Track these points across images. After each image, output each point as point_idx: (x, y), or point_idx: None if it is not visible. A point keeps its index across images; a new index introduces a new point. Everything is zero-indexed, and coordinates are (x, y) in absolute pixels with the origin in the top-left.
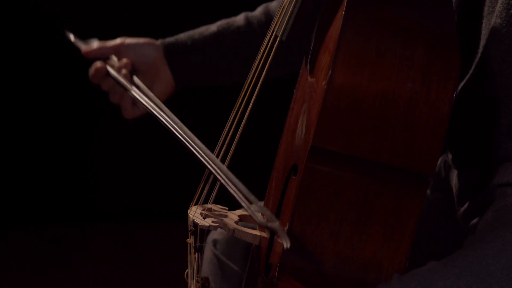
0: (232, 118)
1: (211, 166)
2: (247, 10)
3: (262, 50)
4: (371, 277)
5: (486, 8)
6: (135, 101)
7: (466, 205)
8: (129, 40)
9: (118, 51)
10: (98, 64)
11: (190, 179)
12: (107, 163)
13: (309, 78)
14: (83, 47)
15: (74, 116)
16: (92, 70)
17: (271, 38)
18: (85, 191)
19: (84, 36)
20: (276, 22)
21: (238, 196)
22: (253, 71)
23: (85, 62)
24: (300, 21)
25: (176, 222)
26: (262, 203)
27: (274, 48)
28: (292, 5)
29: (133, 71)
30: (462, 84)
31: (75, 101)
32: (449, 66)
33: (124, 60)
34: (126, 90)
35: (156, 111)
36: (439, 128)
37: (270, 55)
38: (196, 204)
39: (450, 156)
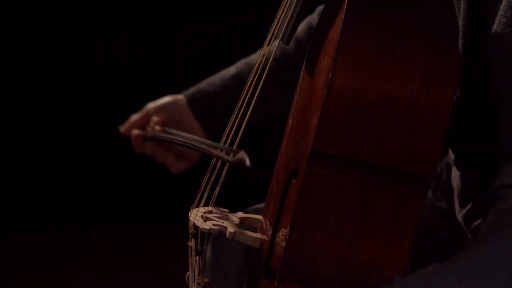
0: (232, 121)
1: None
2: (247, 11)
3: (261, 55)
4: (372, 279)
5: (486, 9)
6: (178, 155)
7: (468, 207)
8: (153, 104)
9: (148, 117)
10: (134, 132)
11: (191, 181)
12: (108, 165)
13: (309, 81)
14: (120, 128)
15: (75, 117)
16: (132, 141)
17: (271, 41)
18: (86, 193)
19: (84, 36)
20: (276, 25)
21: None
22: (252, 76)
23: (86, 63)
24: (299, 23)
25: (177, 225)
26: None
27: (274, 50)
28: (292, 7)
29: (164, 125)
30: (464, 85)
31: (76, 102)
32: (449, 68)
33: (155, 119)
34: (164, 141)
35: (201, 146)
36: (439, 130)
37: (270, 58)
38: (197, 207)
39: (452, 157)
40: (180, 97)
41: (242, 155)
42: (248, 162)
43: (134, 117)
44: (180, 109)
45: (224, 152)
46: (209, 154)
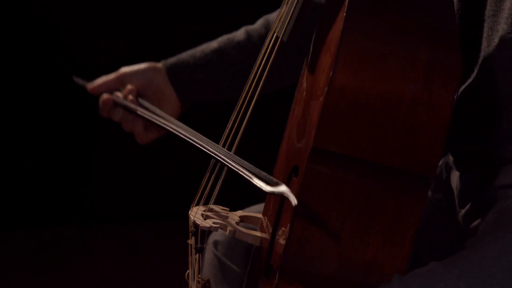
0: (233, 120)
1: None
2: (247, 11)
3: (263, 51)
4: (372, 278)
5: (487, 11)
6: (146, 126)
7: (467, 207)
8: (129, 68)
9: (122, 81)
10: (104, 96)
11: (191, 180)
12: (108, 165)
13: (310, 79)
14: (88, 85)
15: (75, 117)
16: (100, 104)
17: (272, 39)
18: (87, 193)
19: (84, 37)
20: (277, 23)
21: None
22: (254, 73)
23: (86, 62)
24: (301, 22)
25: (177, 224)
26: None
27: (275, 49)
28: (294, 5)
29: (138, 96)
30: (463, 86)
31: (76, 101)
32: (451, 68)
33: (129, 87)
34: (135, 113)
35: (169, 126)
36: (440, 129)
37: (271, 57)
38: (197, 205)
39: (451, 157)
40: (158, 65)
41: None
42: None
43: (105, 78)
44: (158, 77)
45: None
46: (189, 142)
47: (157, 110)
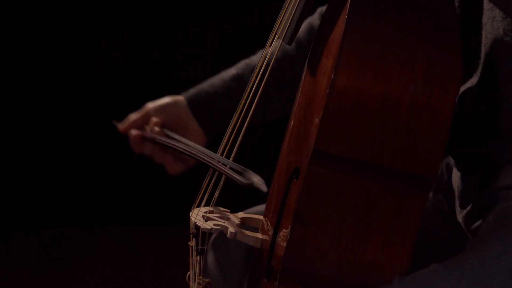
0: (234, 122)
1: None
2: (248, 11)
3: (263, 55)
4: (372, 279)
5: (484, 17)
6: (176, 156)
7: (468, 208)
8: (153, 104)
9: (147, 117)
10: (132, 132)
11: (192, 181)
12: (109, 165)
13: (311, 81)
14: (119, 126)
15: (75, 117)
16: (130, 140)
17: (273, 42)
18: (87, 193)
19: (84, 37)
20: (279, 26)
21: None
22: (255, 75)
23: (86, 63)
24: (302, 24)
25: (177, 225)
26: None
27: (276, 51)
28: (295, 8)
29: (164, 127)
30: (464, 87)
31: (76, 102)
32: (452, 70)
33: (154, 120)
34: (162, 144)
35: (199, 155)
36: (441, 131)
37: (272, 59)
38: (198, 206)
39: (452, 158)
40: (180, 98)
41: (255, 180)
42: (265, 188)
43: (133, 116)
44: (180, 110)
45: (231, 169)
46: (215, 169)
47: (184, 140)
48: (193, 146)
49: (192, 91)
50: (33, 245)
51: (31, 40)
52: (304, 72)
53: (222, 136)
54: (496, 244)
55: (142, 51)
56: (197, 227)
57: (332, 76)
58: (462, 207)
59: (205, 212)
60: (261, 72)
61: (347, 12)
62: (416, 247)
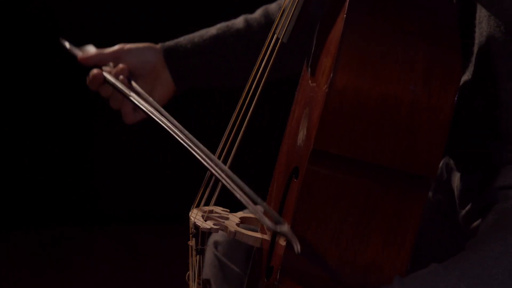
0: (233, 121)
1: (214, 169)
2: (246, 9)
3: (263, 52)
4: (372, 279)
5: (480, 15)
6: (135, 106)
7: (467, 208)
8: (128, 46)
9: (117, 57)
10: (94, 71)
11: (191, 181)
12: (108, 165)
13: (310, 81)
14: (79, 54)
15: (75, 117)
16: (89, 77)
17: (272, 41)
18: (87, 193)
19: (84, 38)
20: (277, 24)
21: (243, 199)
22: (254, 74)
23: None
24: (301, 23)
25: (177, 225)
26: (266, 205)
27: (275, 50)
28: (294, 7)
29: (130, 76)
30: (463, 87)
31: (77, 102)
32: (451, 70)
33: (120, 66)
34: (124, 96)
35: (156, 116)
36: (440, 131)
37: (271, 58)
38: (197, 206)
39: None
40: (157, 46)
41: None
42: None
43: (100, 50)
44: (155, 58)
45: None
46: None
47: (148, 97)
48: (157, 108)
49: (170, 43)
50: (33, 245)
51: (31, 40)
52: (303, 71)
53: (223, 131)
54: (496, 244)
55: None
56: (196, 227)
57: (331, 75)
58: (462, 207)
59: (205, 212)
60: (260, 71)
61: (346, 11)
62: (416, 247)
